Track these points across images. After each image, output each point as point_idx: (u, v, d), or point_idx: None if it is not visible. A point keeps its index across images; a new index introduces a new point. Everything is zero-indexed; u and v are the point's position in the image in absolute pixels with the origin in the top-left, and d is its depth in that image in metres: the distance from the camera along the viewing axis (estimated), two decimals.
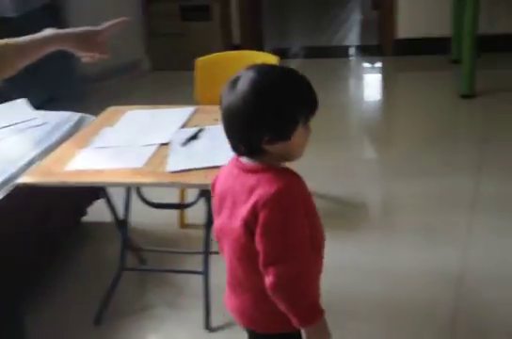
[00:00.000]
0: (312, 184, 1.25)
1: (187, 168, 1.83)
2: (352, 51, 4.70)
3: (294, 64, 4.32)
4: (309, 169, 2.95)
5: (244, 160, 1.35)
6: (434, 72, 4.03)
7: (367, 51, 4.58)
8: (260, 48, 4.56)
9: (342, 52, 4.65)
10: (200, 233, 2.12)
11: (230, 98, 1.29)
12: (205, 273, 2.11)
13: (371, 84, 4.27)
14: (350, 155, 3.17)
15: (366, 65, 4.41)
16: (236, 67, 1.40)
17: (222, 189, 1.40)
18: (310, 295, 1.33)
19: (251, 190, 1.31)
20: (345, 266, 2.31)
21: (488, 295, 2.09)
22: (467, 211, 2.62)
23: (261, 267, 1.32)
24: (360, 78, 4.34)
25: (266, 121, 1.28)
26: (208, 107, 2.26)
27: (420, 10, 4.18)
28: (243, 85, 1.27)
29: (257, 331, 1.46)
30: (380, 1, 4.44)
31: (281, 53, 4.59)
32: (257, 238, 1.31)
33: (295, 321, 1.33)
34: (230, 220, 1.37)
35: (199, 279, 2.13)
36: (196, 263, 2.18)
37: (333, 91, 3.87)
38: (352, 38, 5.02)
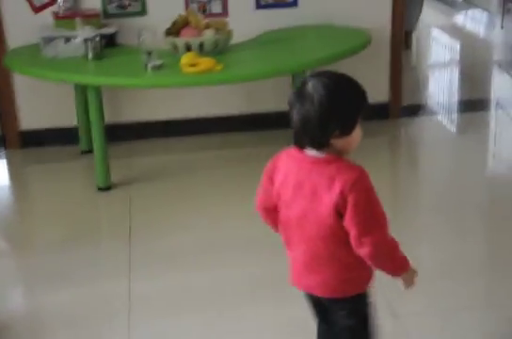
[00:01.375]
0: None
1: None
2: None
3: None
4: None
5: (312, 154, 1.67)
6: (67, 164, 3.85)
7: None
8: None
9: None
10: None
11: (305, 103, 1.61)
12: None
13: None
14: None
15: None
16: None
17: (296, 181, 1.68)
18: (399, 251, 1.70)
19: (332, 177, 1.62)
20: None
21: None
22: (125, 318, 2.45)
23: (354, 242, 1.64)
24: None
25: (337, 119, 1.61)
26: None
27: (43, 101, 4.01)
28: (316, 89, 1.60)
29: (337, 298, 1.77)
30: None
31: None
32: (348, 217, 1.62)
33: (394, 274, 1.72)
34: (313, 205, 1.66)
35: None
36: None
37: None
38: None
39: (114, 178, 3.52)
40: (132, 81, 3.40)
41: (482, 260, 2.88)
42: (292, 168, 1.69)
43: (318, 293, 1.78)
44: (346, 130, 1.63)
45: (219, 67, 3.33)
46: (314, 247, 1.70)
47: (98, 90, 3.41)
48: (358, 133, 1.66)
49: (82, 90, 3.72)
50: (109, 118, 3.86)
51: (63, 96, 3.94)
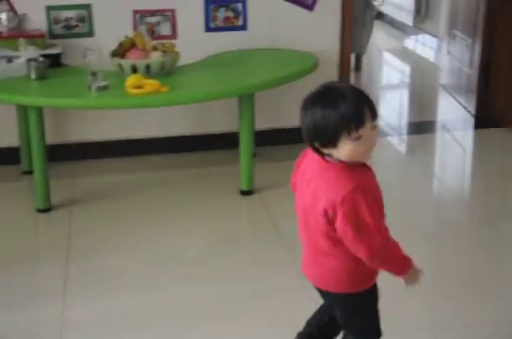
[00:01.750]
0: None
1: None
2: None
3: None
4: None
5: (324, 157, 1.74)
6: (7, 185, 3.78)
7: None
8: None
9: None
10: None
11: (302, 112, 1.71)
12: None
13: None
14: None
15: None
16: None
17: (308, 177, 1.78)
18: (398, 252, 1.76)
19: (329, 184, 1.70)
20: None
21: None
22: None
23: (350, 248, 1.72)
24: None
25: (314, 133, 1.68)
26: None
27: None
28: (309, 102, 1.69)
29: (332, 292, 1.84)
30: None
31: None
32: (339, 227, 1.69)
33: (395, 274, 1.79)
34: (313, 203, 1.74)
35: None
36: None
37: None
38: None
39: (55, 199, 3.46)
40: (75, 102, 3.35)
41: (425, 281, 2.90)
42: (309, 164, 1.79)
43: (315, 284, 1.88)
44: (326, 144, 1.68)
45: (165, 89, 3.31)
46: (313, 240, 1.79)
47: (39, 111, 3.35)
48: (348, 146, 1.66)
49: (24, 110, 3.66)
50: (52, 137, 3.81)
51: (5, 116, 3.88)
